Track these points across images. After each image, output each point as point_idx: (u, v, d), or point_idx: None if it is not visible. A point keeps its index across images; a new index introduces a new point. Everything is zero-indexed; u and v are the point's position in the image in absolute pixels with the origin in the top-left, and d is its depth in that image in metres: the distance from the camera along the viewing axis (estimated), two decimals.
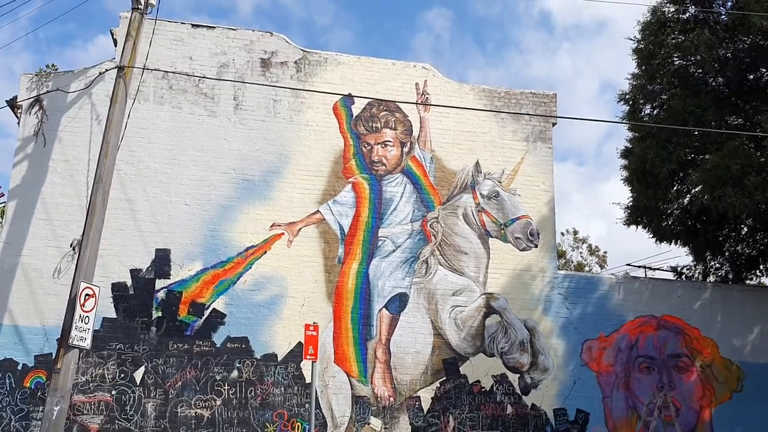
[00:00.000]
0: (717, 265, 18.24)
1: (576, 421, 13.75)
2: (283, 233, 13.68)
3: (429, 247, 14.08)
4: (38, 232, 13.06)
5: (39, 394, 12.28)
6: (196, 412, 12.61)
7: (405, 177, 14.39)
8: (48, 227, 13.10)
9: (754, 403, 14.22)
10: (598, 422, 13.80)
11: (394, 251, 13.98)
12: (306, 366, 13.05)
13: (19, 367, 12.44)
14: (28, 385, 12.39)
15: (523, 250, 14.38)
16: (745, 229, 16.89)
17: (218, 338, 12.99)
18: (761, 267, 17.86)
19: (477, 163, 14.64)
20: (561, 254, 28.94)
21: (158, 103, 13.95)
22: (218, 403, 12.71)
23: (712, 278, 17.85)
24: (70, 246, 12.94)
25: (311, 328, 11.09)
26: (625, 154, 16.14)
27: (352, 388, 13.22)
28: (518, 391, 13.71)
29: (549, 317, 14.19)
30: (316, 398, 12.89)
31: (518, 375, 13.79)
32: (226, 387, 12.81)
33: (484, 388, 13.61)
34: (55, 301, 12.60)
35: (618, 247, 46.03)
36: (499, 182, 14.61)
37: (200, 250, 13.33)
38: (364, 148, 14.44)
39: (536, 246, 14.42)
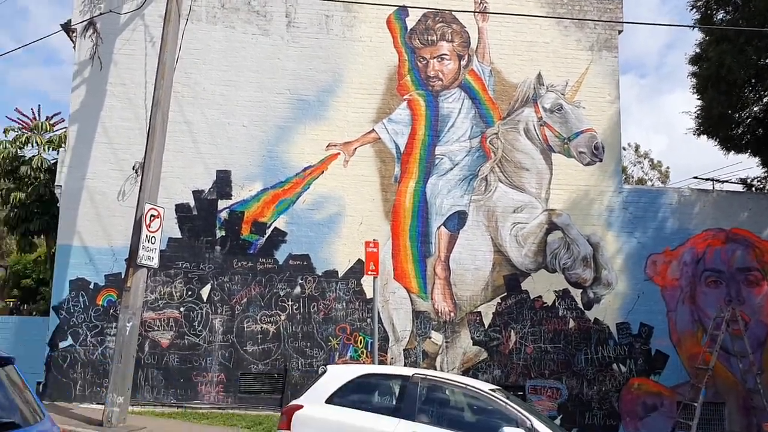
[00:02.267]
0: None
1: (639, 334, 13.62)
2: (339, 153, 13.59)
3: (488, 163, 13.80)
4: (100, 156, 13.28)
5: (111, 311, 12.77)
6: (261, 327, 12.95)
7: (463, 92, 13.99)
8: (109, 150, 13.29)
9: None
10: (662, 336, 13.64)
11: (451, 169, 13.76)
12: (366, 282, 13.17)
13: (91, 286, 12.91)
14: (100, 303, 12.88)
15: (587, 164, 13.97)
16: None
17: (280, 256, 13.18)
18: None
19: (539, 74, 14.11)
20: (622, 170, 28.17)
21: (211, 23, 13.76)
22: (282, 318, 13.01)
23: None
24: (133, 168, 13.14)
25: (371, 244, 11.09)
26: (696, 60, 15.28)
27: (412, 304, 13.33)
28: (581, 305, 13.60)
29: (613, 232, 13.89)
30: (378, 313, 13.08)
31: (581, 290, 13.65)
32: (290, 302, 13.07)
33: (546, 303, 13.55)
34: (121, 222, 12.92)
35: (680, 162, 44.66)
36: (563, 94, 14.08)
37: (259, 170, 13.38)
38: (419, 63, 14.04)
39: (601, 160, 13.99)
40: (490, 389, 7.40)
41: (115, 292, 12.79)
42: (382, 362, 12.80)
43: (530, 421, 6.79)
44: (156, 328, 12.81)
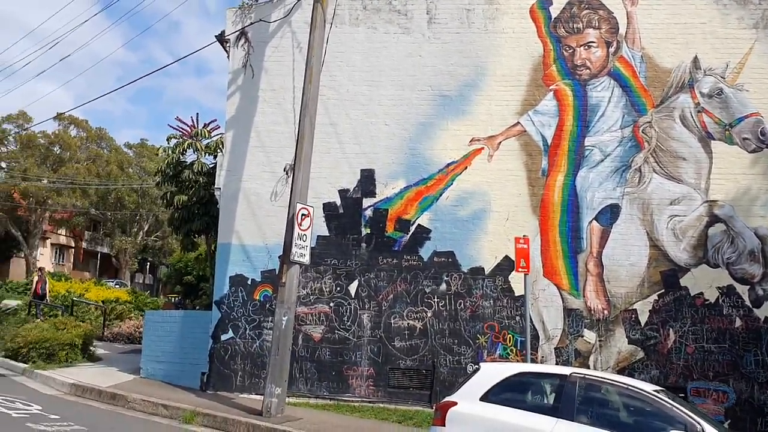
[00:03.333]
0: None
1: None
2: (483, 148, 13.43)
3: (642, 154, 13.11)
4: (254, 159, 13.94)
5: (267, 305, 13.38)
6: (408, 323, 13.07)
7: (612, 80, 13.38)
8: (262, 153, 13.93)
9: None
10: None
11: (602, 160, 13.20)
12: (514, 279, 12.95)
13: (249, 282, 13.58)
14: (257, 297, 13.53)
15: (752, 151, 12.91)
16: None
17: (425, 253, 13.23)
18: None
19: (695, 58, 13.21)
20: None
21: (354, 25, 14.06)
22: (429, 314, 13.05)
23: None
24: (284, 170, 13.68)
25: (522, 240, 10.87)
26: None
27: (563, 301, 12.93)
28: (748, 303, 12.59)
29: None
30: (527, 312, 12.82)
31: (748, 286, 12.63)
32: (436, 299, 13.09)
33: (708, 300, 12.66)
34: (274, 221, 13.51)
35: None
36: (722, 78, 13.11)
37: (402, 168, 13.51)
38: (565, 52, 13.59)
39: (767, 146, 12.89)
40: (654, 390, 7.02)
41: (270, 287, 13.39)
42: (533, 361, 12.51)
43: (700, 425, 6.37)
44: (308, 322, 13.27)
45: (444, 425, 7.36)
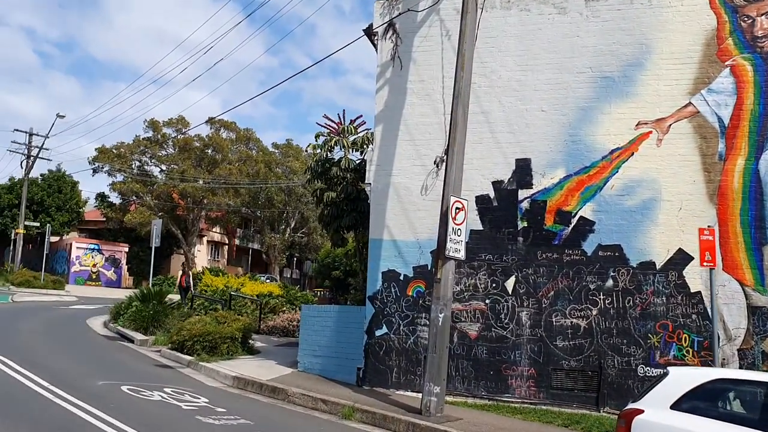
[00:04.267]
0: None
1: None
2: (651, 132, 12.38)
3: None
4: (404, 153, 13.70)
5: (420, 301, 13.10)
6: (571, 322, 12.30)
7: None
8: (411, 147, 13.66)
9: None
10: None
11: None
12: (689, 274, 11.86)
13: (401, 278, 13.37)
14: (410, 293, 13.29)
15: None
16: None
17: (588, 247, 12.40)
18: None
19: None
20: None
21: (505, 9, 13.45)
22: (594, 312, 12.22)
23: None
24: (434, 163, 13.35)
25: (706, 232, 9.82)
26: None
27: (746, 298, 11.65)
28: None
29: None
30: (705, 309, 11.70)
31: None
32: (602, 296, 12.23)
33: None
34: (424, 216, 13.20)
35: None
36: None
37: (561, 156, 12.74)
38: (743, 23, 12.24)
39: None
40: None
41: (423, 283, 13.11)
42: (711, 364, 11.38)
43: None
44: (463, 319, 12.85)
45: None
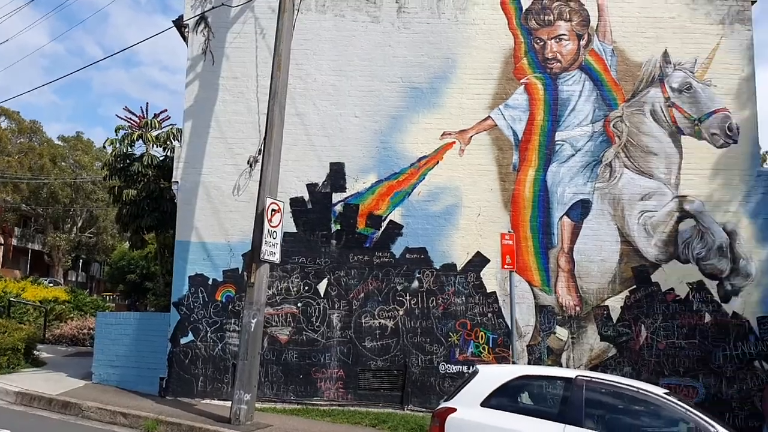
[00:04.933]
0: None
1: None
2: (454, 142, 13.10)
3: (613, 149, 13.02)
4: (215, 151, 13.23)
5: (230, 307, 12.72)
6: (380, 322, 12.63)
7: (583, 73, 13.25)
8: (224, 145, 13.23)
9: None
10: None
11: (573, 155, 13.06)
12: (486, 275, 12.72)
13: (210, 282, 12.88)
14: (219, 298, 12.84)
15: (720, 147, 12.98)
16: None
17: (397, 249, 12.82)
18: None
19: (665, 52, 13.20)
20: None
21: (320, 12, 13.50)
22: (401, 312, 12.65)
23: None
24: (247, 162, 13.04)
25: (507, 236, 10.56)
26: None
27: (534, 298, 12.73)
28: (717, 298, 12.66)
29: (750, 219, 12.86)
30: (499, 308, 12.60)
31: (717, 282, 12.70)
32: (408, 297, 12.70)
33: (678, 296, 12.68)
34: (237, 217, 12.85)
35: None
36: (692, 73, 13.13)
37: (373, 162, 13.05)
38: (536, 45, 13.37)
39: (735, 142, 12.97)
40: (664, 392, 6.79)
41: (233, 287, 12.74)
42: (504, 359, 12.30)
43: (714, 428, 6.16)
44: (274, 323, 12.68)
45: None
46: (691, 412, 6.40)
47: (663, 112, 13.06)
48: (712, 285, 12.69)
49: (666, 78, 13.15)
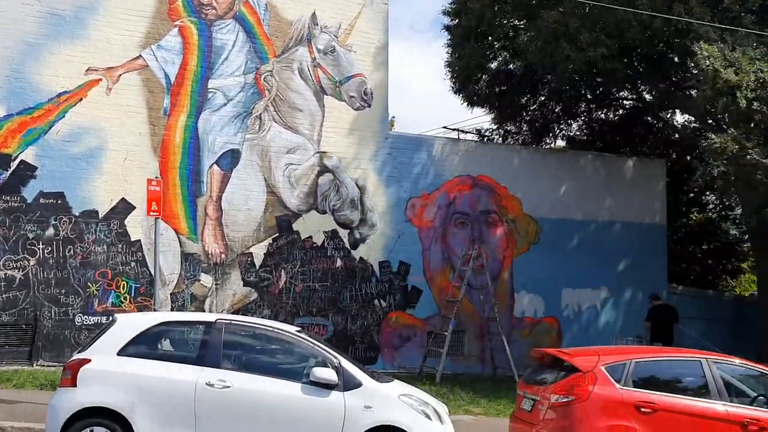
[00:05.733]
0: (515, 130, 19.77)
1: (398, 272, 14.55)
2: (101, 79, 12.26)
3: (263, 101, 13.49)
4: None
5: None
6: (6, 274, 11.44)
7: (238, 24, 13.38)
8: None
9: (547, 253, 15.94)
10: (417, 273, 14.73)
11: (225, 105, 13.21)
12: (131, 223, 12.37)
13: None
14: None
15: (357, 109, 14.29)
16: (545, 96, 18.28)
17: (29, 193, 11.66)
18: (556, 131, 19.70)
19: (314, 14, 13.96)
20: None
21: None
22: (32, 263, 11.60)
23: (510, 141, 19.30)
24: None
25: (154, 183, 10.25)
26: (455, 12, 16.41)
27: (181, 246, 12.74)
28: (347, 245, 14.11)
29: (378, 176, 14.49)
30: (143, 257, 12.34)
31: (348, 231, 14.13)
32: (41, 246, 11.68)
33: (315, 243, 13.82)
34: None
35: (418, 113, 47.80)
36: (336, 37, 14.15)
37: (2, 93, 11.56)
38: None
39: (369, 105, 14.38)
40: (296, 330, 7.44)
41: None
42: (146, 308, 12.12)
43: (338, 359, 6.98)
44: None
45: (75, 386, 6.66)
46: (319, 346, 7.14)
47: (309, 71, 13.88)
48: (344, 233, 14.09)
49: (313, 39, 13.96)
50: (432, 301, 14.83)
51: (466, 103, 18.03)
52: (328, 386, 6.69)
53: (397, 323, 14.51)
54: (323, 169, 13.94)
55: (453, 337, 14.05)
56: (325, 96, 14.01)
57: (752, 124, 11.95)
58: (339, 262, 13.98)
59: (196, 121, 12.96)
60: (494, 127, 19.92)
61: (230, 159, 13.19)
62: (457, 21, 16.55)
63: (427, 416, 6.87)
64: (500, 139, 19.47)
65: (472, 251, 14.28)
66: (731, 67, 11.62)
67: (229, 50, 13.29)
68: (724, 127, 12.39)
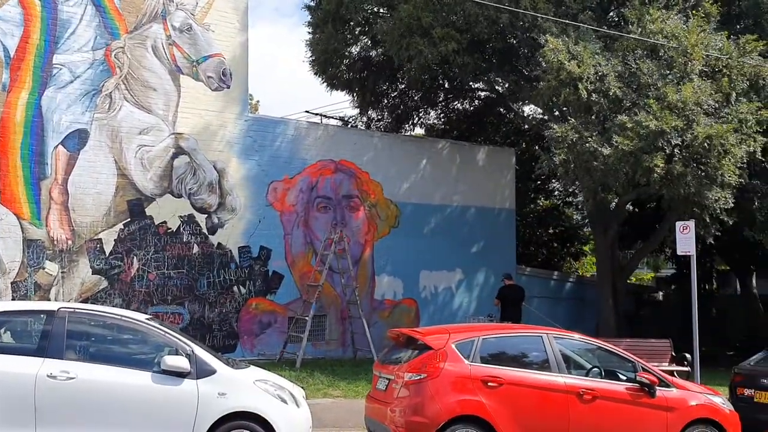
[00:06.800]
0: (377, 117, 20.11)
1: (259, 257, 14.41)
2: None
3: (114, 79, 12.82)
4: None
5: None
6: None
7: None
8: None
9: (406, 236, 16.37)
10: (278, 258, 14.65)
11: (72, 82, 12.44)
12: None
13: None
14: None
15: (215, 90, 13.91)
16: (404, 84, 18.67)
17: None
18: (415, 119, 20.24)
19: None
20: None
21: None
22: None
23: (373, 128, 19.62)
24: None
25: None
26: None
27: (23, 231, 11.90)
28: (205, 231, 13.77)
29: (237, 159, 14.22)
30: None
31: (206, 215, 13.78)
32: None
33: (170, 228, 13.37)
34: None
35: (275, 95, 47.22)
36: (193, 15, 13.67)
37: None
38: None
39: (228, 87, 14.04)
40: (146, 318, 7.20)
41: None
42: None
43: (190, 347, 6.83)
44: None
45: None
46: (170, 334, 6.93)
47: (164, 49, 13.35)
48: (201, 218, 13.73)
49: (169, 16, 13.42)
50: (293, 287, 14.82)
51: (326, 85, 18.08)
52: (181, 374, 6.52)
53: (257, 309, 14.37)
54: (179, 151, 13.48)
55: (314, 321, 14.11)
56: (181, 75, 13.54)
57: (592, 115, 12.87)
58: (195, 248, 13.61)
59: (40, 99, 12.12)
60: (357, 113, 20.16)
61: (77, 139, 12.46)
62: (317, 2, 16.51)
63: (283, 400, 6.88)
64: (363, 125, 19.71)
65: (334, 235, 14.38)
66: (574, 59, 12.43)
67: (77, 24, 12.52)
68: (568, 117, 13.24)
